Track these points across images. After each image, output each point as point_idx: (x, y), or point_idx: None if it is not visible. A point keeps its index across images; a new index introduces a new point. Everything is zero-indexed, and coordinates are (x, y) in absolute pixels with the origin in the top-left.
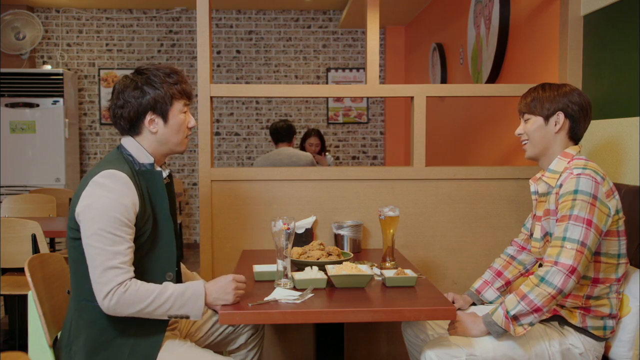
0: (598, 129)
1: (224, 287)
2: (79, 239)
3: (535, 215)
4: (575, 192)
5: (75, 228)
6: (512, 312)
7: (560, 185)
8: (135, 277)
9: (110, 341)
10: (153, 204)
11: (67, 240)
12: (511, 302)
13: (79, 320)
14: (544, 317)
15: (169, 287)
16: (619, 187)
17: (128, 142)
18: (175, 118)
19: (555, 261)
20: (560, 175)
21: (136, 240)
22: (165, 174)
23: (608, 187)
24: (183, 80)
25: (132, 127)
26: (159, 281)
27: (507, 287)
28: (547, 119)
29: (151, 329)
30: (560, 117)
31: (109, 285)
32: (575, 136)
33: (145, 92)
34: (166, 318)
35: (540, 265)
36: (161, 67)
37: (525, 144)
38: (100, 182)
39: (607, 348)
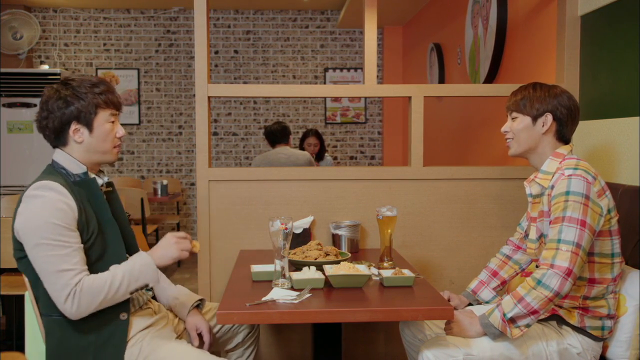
0: (596, 129)
1: (165, 245)
2: (25, 256)
3: (530, 216)
4: (567, 193)
5: (18, 248)
6: (509, 315)
7: (552, 187)
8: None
9: (71, 351)
10: (95, 211)
11: (16, 261)
12: (508, 305)
13: (45, 333)
14: (541, 318)
15: (118, 268)
16: (616, 187)
17: (59, 156)
18: (100, 127)
19: (551, 264)
20: (553, 176)
21: (84, 248)
22: (101, 181)
23: (599, 187)
24: (110, 90)
25: (58, 137)
26: None
27: (503, 287)
28: (535, 119)
29: (112, 334)
30: (548, 118)
31: (67, 289)
32: (562, 138)
33: (69, 103)
34: (129, 296)
35: (537, 266)
36: (87, 78)
37: (509, 141)
38: (32, 194)
39: (604, 348)
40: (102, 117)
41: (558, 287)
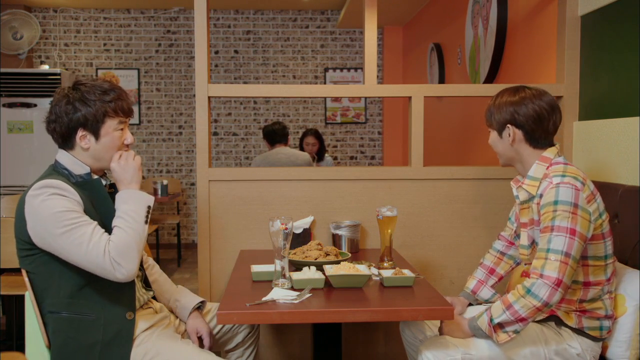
0: (596, 129)
1: (121, 171)
2: (35, 253)
3: (520, 221)
4: (556, 203)
5: (26, 247)
6: (496, 320)
7: (541, 195)
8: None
9: (77, 350)
10: (99, 211)
11: (19, 259)
12: (497, 310)
13: (48, 332)
14: (538, 319)
15: (118, 219)
16: (616, 187)
17: (62, 156)
18: (107, 135)
19: (541, 274)
20: (540, 183)
21: None
22: (105, 182)
23: (589, 192)
24: (120, 97)
25: (65, 141)
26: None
27: (500, 282)
28: (499, 132)
29: (118, 333)
30: (510, 129)
31: (107, 259)
32: (537, 143)
33: (77, 109)
34: (146, 226)
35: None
36: (99, 83)
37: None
38: (34, 194)
39: (604, 348)
40: (110, 126)
41: (547, 297)
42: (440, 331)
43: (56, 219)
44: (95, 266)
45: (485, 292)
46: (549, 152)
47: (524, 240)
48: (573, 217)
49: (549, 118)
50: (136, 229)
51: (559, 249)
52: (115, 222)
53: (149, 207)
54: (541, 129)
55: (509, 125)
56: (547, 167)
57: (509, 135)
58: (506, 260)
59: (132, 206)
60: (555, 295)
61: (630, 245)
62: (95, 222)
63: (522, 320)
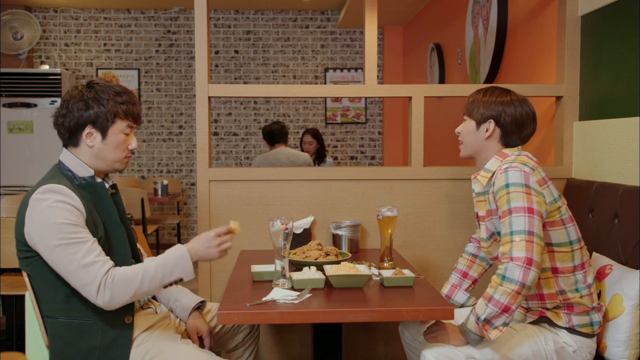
0: (596, 129)
1: (206, 242)
2: (32, 256)
3: (479, 215)
4: (507, 185)
5: (24, 249)
6: (483, 317)
7: (494, 184)
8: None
9: (76, 355)
10: (101, 214)
11: (19, 261)
12: (480, 307)
13: (47, 336)
14: (514, 315)
15: (153, 261)
16: (616, 187)
17: (66, 157)
18: (114, 136)
19: (510, 257)
20: (493, 174)
21: None
22: (107, 184)
23: (540, 177)
24: (132, 101)
25: (71, 137)
26: None
27: (475, 285)
28: (478, 124)
29: (117, 337)
30: (490, 125)
31: (96, 281)
32: (509, 144)
33: (90, 106)
34: (163, 289)
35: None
36: (113, 85)
37: (460, 143)
38: (38, 198)
39: (602, 348)
40: (118, 127)
41: (522, 278)
42: (432, 339)
43: (55, 229)
44: (82, 285)
45: (460, 296)
46: (509, 150)
47: (482, 233)
48: (527, 196)
49: (528, 126)
50: (151, 282)
51: (521, 229)
52: (147, 261)
53: (180, 279)
54: (518, 133)
55: (491, 120)
56: (502, 161)
57: (487, 130)
58: (479, 263)
59: (170, 267)
60: (529, 274)
61: (630, 245)
62: (93, 239)
63: (506, 309)
